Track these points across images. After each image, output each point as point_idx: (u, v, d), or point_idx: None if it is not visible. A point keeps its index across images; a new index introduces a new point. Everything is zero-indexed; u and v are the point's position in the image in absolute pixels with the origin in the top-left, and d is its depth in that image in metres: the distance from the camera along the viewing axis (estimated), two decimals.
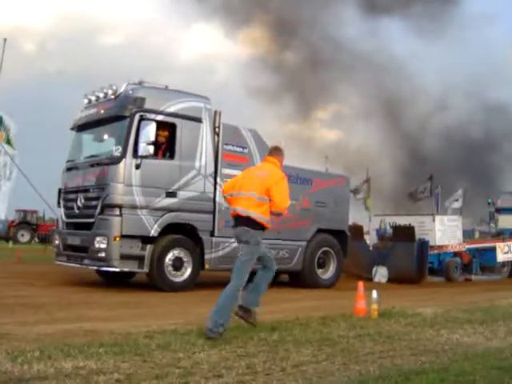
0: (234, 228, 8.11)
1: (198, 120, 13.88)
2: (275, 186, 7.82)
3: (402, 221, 22.46)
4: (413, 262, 20.29)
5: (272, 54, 45.94)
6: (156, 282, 13.17)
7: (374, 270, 20.59)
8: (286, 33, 44.76)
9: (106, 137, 14.07)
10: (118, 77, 13.67)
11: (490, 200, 30.65)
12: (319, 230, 16.43)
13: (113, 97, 13.54)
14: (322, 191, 16.62)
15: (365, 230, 23.80)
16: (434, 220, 22.62)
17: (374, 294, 9.74)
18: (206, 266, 13.80)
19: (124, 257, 12.66)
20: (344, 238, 17.28)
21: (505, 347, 7.53)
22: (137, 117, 12.90)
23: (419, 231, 21.52)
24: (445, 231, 23.03)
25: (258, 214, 7.80)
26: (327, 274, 16.79)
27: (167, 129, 13.46)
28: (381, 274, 20.35)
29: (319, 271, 16.52)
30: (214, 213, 13.97)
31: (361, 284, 10.31)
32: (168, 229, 13.25)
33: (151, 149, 12.70)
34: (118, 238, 12.53)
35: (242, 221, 7.85)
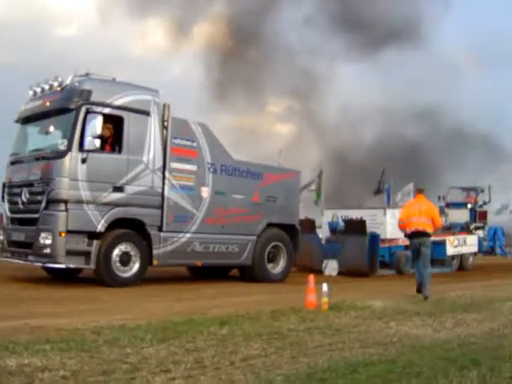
0: None
1: (146, 113, 13.83)
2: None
3: (354, 214, 22.78)
4: (364, 255, 20.64)
5: (225, 48, 45.94)
6: (103, 278, 13.11)
7: (325, 263, 20.87)
8: (239, 28, 44.85)
9: (51, 130, 13.84)
10: (70, 69, 13.48)
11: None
12: (269, 225, 16.56)
13: (58, 89, 13.39)
14: (273, 186, 16.74)
15: (317, 223, 24.04)
16: (385, 213, 23.00)
17: (325, 287, 9.93)
18: (154, 262, 13.79)
19: (70, 253, 12.57)
20: (294, 233, 17.43)
21: (452, 338, 7.78)
22: (83, 110, 12.79)
23: (371, 225, 21.85)
24: (396, 224, 23.40)
25: None
26: (277, 268, 16.92)
27: (114, 122, 13.38)
28: (331, 267, 20.64)
29: (269, 265, 16.65)
30: (162, 208, 13.97)
31: (311, 277, 10.49)
32: (115, 224, 13.21)
33: (98, 142, 12.63)
34: (63, 234, 12.44)
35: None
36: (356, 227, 21.16)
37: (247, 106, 49.41)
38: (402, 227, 13.80)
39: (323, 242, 22.58)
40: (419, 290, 13.12)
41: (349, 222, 21.96)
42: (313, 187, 25.33)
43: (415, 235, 13.16)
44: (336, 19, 47.08)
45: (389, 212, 23.24)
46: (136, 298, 11.55)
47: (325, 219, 23.79)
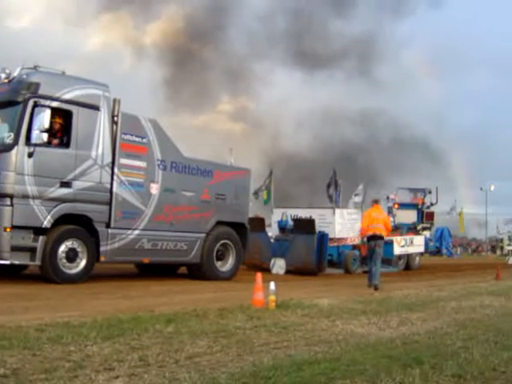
0: None
1: (96, 108, 13.66)
2: None
3: (303, 213, 22.95)
4: (312, 254, 20.77)
5: (179, 46, 45.86)
6: (49, 274, 12.90)
7: (272, 261, 20.96)
8: (193, 28, 44.86)
9: None
10: (19, 61, 13.23)
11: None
12: (219, 222, 16.55)
13: (6, 81, 13.13)
14: (223, 183, 16.74)
15: (267, 222, 24.12)
16: (334, 213, 23.19)
17: (272, 285, 9.97)
18: (102, 258, 13.65)
19: (15, 249, 12.32)
20: (244, 231, 17.47)
21: (396, 337, 7.89)
22: (30, 103, 12.55)
23: (320, 224, 22.03)
24: (344, 224, 23.68)
25: None
26: (226, 266, 16.93)
27: (63, 116, 13.17)
28: (279, 265, 20.74)
29: (218, 263, 16.64)
30: (110, 204, 13.82)
31: (259, 276, 10.52)
32: (62, 220, 13.00)
33: (45, 136, 12.42)
34: (8, 229, 12.19)
35: None
36: (305, 226, 21.29)
37: (199, 104, 49.39)
38: (363, 233, 17.27)
39: (272, 240, 22.65)
40: (371, 284, 15.61)
41: (298, 221, 22.09)
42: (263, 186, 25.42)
43: (372, 238, 16.20)
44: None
45: (338, 212, 23.46)
46: (82, 295, 11.38)
47: (274, 218, 23.87)
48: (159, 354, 6.10)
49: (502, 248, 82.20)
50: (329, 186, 25.53)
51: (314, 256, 20.79)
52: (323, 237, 21.29)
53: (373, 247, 16.20)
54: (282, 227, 22.88)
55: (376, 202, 17.25)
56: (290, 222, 22.58)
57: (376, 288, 15.17)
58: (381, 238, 16.26)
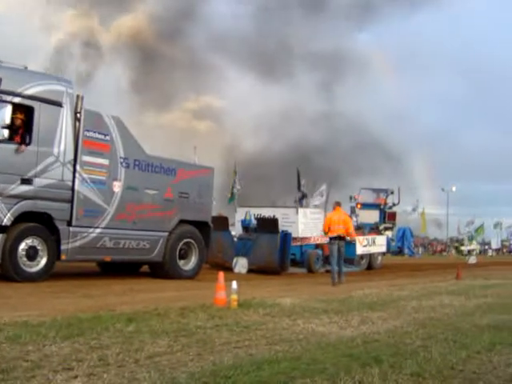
0: None
1: (58, 104, 13.50)
2: None
3: (267, 212, 23.00)
4: (275, 253, 20.82)
5: (146, 44, 45.61)
6: (8, 273, 12.71)
7: (235, 260, 20.95)
8: (161, 26, 44.64)
9: None
10: None
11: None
12: (182, 221, 16.50)
13: None
14: (186, 182, 16.68)
15: (231, 221, 24.13)
16: (297, 213, 23.28)
17: (234, 284, 9.95)
18: (63, 257, 13.51)
19: None
20: (207, 230, 17.43)
21: (356, 336, 7.92)
22: None
23: (283, 223, 22.10)
24: (307, 224, 23.78)
25: None
26: (189, 265, 16.88)
27: (24, 112, 12.96)
28: (241, 264, 20.74)
29: (181, 262, 16.59)
30: (72, 202, 13.67)
31: (221, 274, 10.50)
32: (22, 217, 12.83)
33: (6, 133, 12.28)
34: None
35: None
36: (268, 225, 21.33)
37: (163, 102, 49.20)
38: (325, 234, 18.25)
39: (235, 239, 22.65)
40: (334, 283, 16.68)
41: (261, 220, 22.11)
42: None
43: (336, 238, 17.31)
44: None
45: (301, 211, 23.55)
46: (42, 294, 11.25)
47: (238, 217, 23.88)
48: (119, 353, 6.04)
49: (456, 248, 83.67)
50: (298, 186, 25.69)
51: (277, 255, 20.85)
52: (286, 236, 21.33)
53: (336, 247, 17.31)
54: (246, 226, 22.91)
55: (338, 204, 18.51)
56: (254, 221, 22.61)
57: (340, 283, 16.86)
58: (343, 238, 17.51)
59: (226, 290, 10.17)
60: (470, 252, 73.56)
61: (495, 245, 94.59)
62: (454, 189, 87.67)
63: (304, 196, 26.71)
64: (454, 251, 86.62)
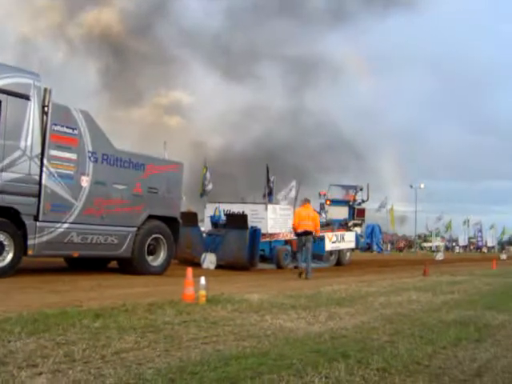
0: None
1: (26, 97, 13.30)
2: None
3: (237, 208, 23.00)
4: (244, 249, 20.84)
5: (116, 39, 45.33)
6: None
7: (203, 256, 20.88)
8: (131, 20, 44.41)
9: None
10: None
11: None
12: (150, 217, 16.41)
13: None
14: (155, 177, 16.59)
15: (201, 216, 24.08)
16: (266, 209, 23.30)
17: (202, 280, 9.93)
18: (29, 252, 13.33)
19: None
20: (176, 225, 17.36)
21: (324, 331, 7.94)
22: None
23: (252, 219, 22.10)
24: (277, 220, 23.82)
25: None
26: (157, 260, 16.80)
27: None
28: (209, 260, 20.65)
29: (149, 258, 16.50)
30: (39, 196, 13.50)
31: (189, 270, 10.47)
32: None
33: None
34: None
35: None
36: (237, 221, 21.32)
37: (134, 97, 48.96)
38: (294, 229, 18.86)
39: (205, 235, 22.60)
40: (301, 274, 17.94)
41: (230, 216, 22.10)
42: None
43: (303, 234, 18.04)
44: None
45: (270, 207, 23.58)
46: (8, 290, 11.06)
47: (208, 213, 23.84)
48: (85, 349, 5.98)
49: (419, 244, 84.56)
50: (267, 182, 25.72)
51: (246, 251, 20.86)
52: (255, 232, 21.35)
53: (303, 242, 18.19)
54: (215, 222, 22.88)
55: (307, 201, 19.26)
56: (223, 217, 22.60)
57: (307, 278, 17.68)
58: (310, 233, 18.21)
59: (195, 286, 10.13)
60: (436, 248, 74.48)
61: (463, 242, 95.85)
62: (422, 186, 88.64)
63: (271, 192, 26.78)
64: (414, 248, 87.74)
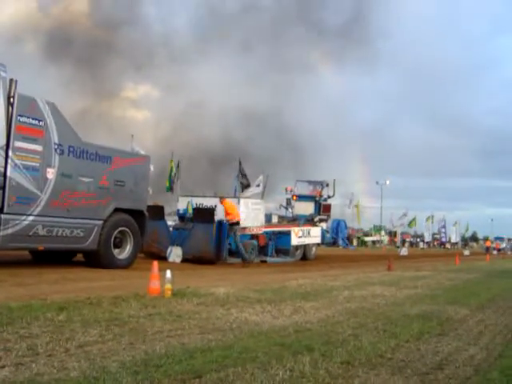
0: None
1: None
2: None
3: (209, 202, 23.00)
4: (211, 242, 20.78)
5: (83, 28, 44.79)
6: None
7: (169, 250, 20.81)
8: (100, 10, 43.97)
9: None
10: None
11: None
12: (117, 210, 16.25)
13: None
14: (122, 170, 16.42)
15: (170, 210, 24.00)
16: (238, 202, 23.29)
17: (168, 273, 9.92)
18: None
19: None
20: (142, 218, 17.25)
21: (289, 325, 7.99)
22: None
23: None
24: (249, 214, 23.84)
25: None
26: (124, 253, 16.65)
27: None
28: (175, 253, 20.60)
29: (116, 251, 16.34)
30: (4, 188, 13.29)
31: (155, 264, 10.43)
32: None
33: None
34: None
35: None
36: (204, 215, 21.26)
37: (101, 89, 48.47)
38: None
39: (171, 229, 22.50)
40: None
41: (197, 210, 22.03)
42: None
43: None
44: None
45: (242, 202, 23.60)
46: None
47: (180, 206, 23.74)
48: (49, 342, 5.93)
49: (359, 238, 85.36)
50: (238, 175, 25.74)
51: (213, 245, 20.81)
52: (222, 225, 21.32)
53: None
54: (182, 216, 22.79)
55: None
56: (190, 211, 22.54)
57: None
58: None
59: (160, 280, 10.12)
60: (401, 244, 75.22)
61: (427, 238, 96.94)
62: (387, 182, 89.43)
63: (248, 185, 26.81)
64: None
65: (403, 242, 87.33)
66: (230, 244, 22.68)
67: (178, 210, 22.98)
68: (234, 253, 23.15)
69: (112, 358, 5.54)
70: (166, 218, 23.32)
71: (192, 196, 23.99)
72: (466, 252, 64.84)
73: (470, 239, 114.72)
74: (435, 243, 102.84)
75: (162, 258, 19.45)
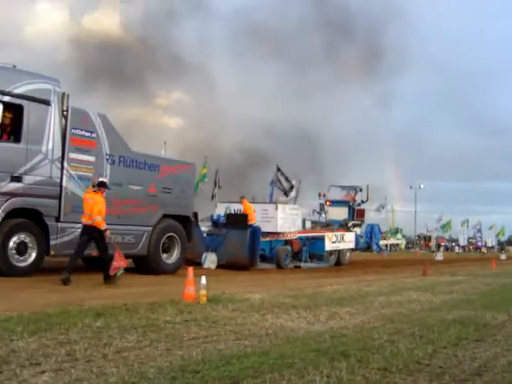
0: None
1: (47, 102, 13.16)
2: None
3: None
4: (245, 248, 20.24)
5: (118, 38, 45.02)
6: None
7: (204, 256, 20.10)
8: (132, 21, 44.19)
9: None
10: None
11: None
12: (165, 216, 16.19)
13: None
14: (169, 177, 16.41)
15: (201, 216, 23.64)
16: (276, 208, 23.00)
17: (203, 279, 9.67)
18: (51, 252, 13.19)
19: None
20: (189, 224, 17.16)
21: (324, 331, 7.67)
22: None
23: (262, 219, 21.82)
24: (286, 219, 23.51)
25: None
26: (171, 258, 16.59)
27: (14, 111, 12.61)
28: (210, 260, 19.90)
29: (164, 256, 16.28)
30: (60, 198, 13.34)
31: (190, 270, 10.21)
32: (13, 214, 12.45)
33: None
34: None
35: None
36: (238, 221, 20.86)
37: (135, 98, 48.73)
38: None
39: (205, 235, 21.84)
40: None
41: (231, 216, 21.67)
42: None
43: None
44: None
45: (280, 207, 23.28)
46: (10, 289, 10.80)
47: (218, 212, 23.45)
48: (87, 348, 5.75)
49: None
50: (275, 181, 25.46)
51: (247, 251, 20.31)
52: (255, 231, 20.86)
53: None
54: (215, 222, 22.39)
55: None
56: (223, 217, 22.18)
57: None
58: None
59: (195, 286, 9.86)
60: (437, 248, 73.86)
61: (462, 242, 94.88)
62: (421, 186, 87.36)
63: (292, 187, 26.40)
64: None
65: (438, 246, 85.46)
66: (263, 249, 22.26)
67: (212, 216, 22.69)
68: (266, 258, 22.76)
69: (149, 363, 5.34)
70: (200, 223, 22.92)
71: (230, 202, 23.54)
72: (503, 256, 62.95)
73: (507, 243, 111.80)
74: (470, 247, 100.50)
75: (197, 263, 19.03)
